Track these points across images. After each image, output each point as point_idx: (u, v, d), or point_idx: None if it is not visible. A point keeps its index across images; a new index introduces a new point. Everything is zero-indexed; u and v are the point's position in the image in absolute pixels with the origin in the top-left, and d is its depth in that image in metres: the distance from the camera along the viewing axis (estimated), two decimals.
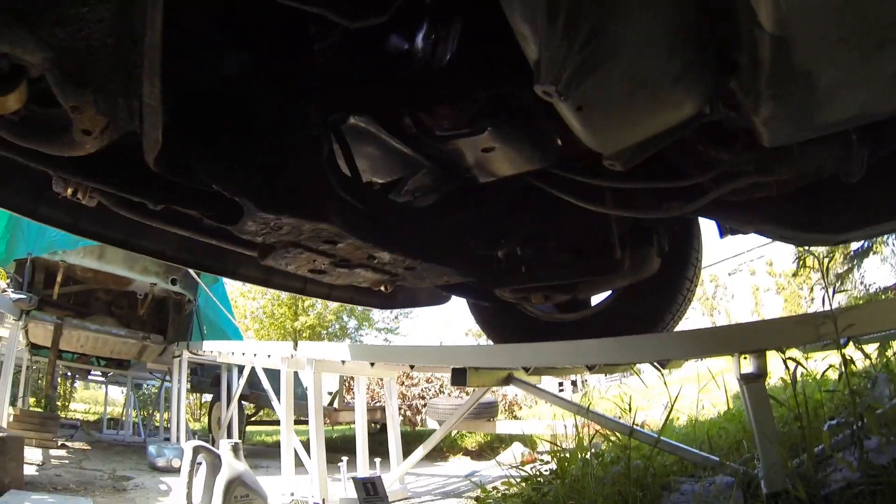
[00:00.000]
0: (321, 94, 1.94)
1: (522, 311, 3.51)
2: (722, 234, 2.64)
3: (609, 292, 3.24)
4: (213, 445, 4.73)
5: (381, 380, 7.63)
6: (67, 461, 8.02)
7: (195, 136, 1.63)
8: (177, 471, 5.94)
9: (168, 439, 10.30)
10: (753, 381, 2.62)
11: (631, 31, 1.17)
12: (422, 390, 11.95)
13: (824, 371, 2.73)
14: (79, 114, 1.33)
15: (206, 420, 14.21)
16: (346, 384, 11.14)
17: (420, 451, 5.07)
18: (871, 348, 3.28)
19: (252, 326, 25.82)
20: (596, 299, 3.39)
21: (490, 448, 9.86)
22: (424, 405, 11.31)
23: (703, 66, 1.32)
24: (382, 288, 2.53)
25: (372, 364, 5.53)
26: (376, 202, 2.08)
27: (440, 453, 10.48)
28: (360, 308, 22.74)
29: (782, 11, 1.03)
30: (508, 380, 4.10)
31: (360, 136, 2.06)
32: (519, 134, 1.87)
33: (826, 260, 2.79)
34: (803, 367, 2.58)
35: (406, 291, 3.58)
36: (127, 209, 1.89)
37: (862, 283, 16.74)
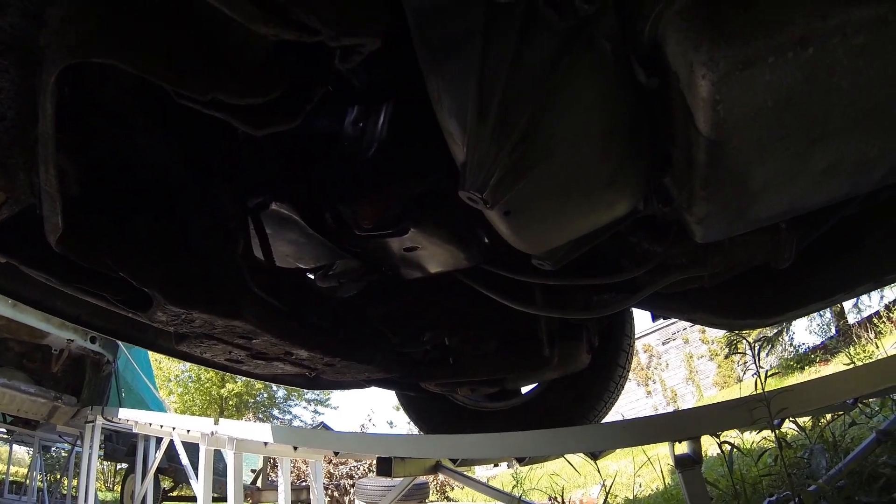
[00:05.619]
0: (241, 178, 1.80)
1: (450, 400, 3.39)
2: (654, 318, 2.62)
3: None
4: None
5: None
6: None
7: (103, 219, 1.48)
8: None
9: None
10: (689, 468, 2.54)
11: (564, 131, 1.11)
12: (350, 469, 11.48)
13: (762, 454, 2.71)
14: None
15: (119, 490, 13.29)
16: (271, 462, 10.58)
17: None
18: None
19: (176, 390, 24.80)
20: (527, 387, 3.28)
21: None
22: (353, 485, 10.82)
23: (637, 164, 1.27)
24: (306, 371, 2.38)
25: (295, 448, 5.25)
26: (293, 297, 1.95)
27: None
28: None
29: (720, 117, 0.99)
30: (437, 468, 3.90)
31: (284, 223, 1.96)
32: (444, 234, 1.80)
33: (757, 345, 2.79)
34: (738, 449, 2.55)
35: None
36: (36, 272, 1.72)
37: (791, 344, 17.58)
